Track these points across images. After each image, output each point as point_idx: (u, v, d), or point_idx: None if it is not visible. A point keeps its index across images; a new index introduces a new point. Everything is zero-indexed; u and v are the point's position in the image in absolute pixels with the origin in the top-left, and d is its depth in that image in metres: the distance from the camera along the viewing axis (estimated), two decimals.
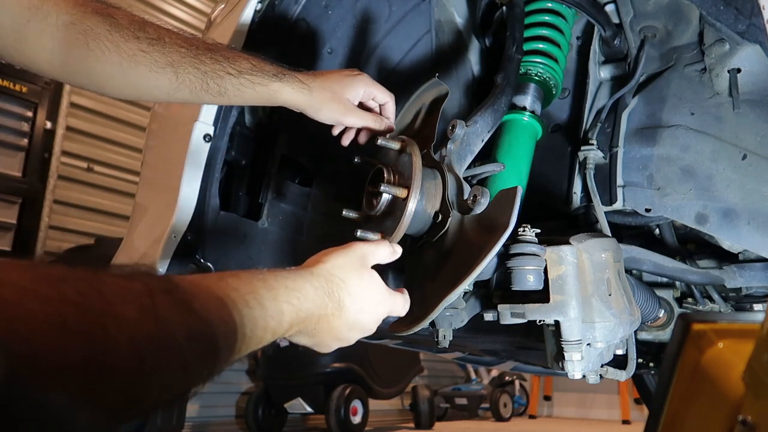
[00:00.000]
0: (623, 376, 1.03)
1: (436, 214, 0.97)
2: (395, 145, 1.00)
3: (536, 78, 1.28)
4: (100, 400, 0.39)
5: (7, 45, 0.80)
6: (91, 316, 0.39)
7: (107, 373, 0.39)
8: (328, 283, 0.75)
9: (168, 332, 0.46)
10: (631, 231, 1.43)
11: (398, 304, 0.85)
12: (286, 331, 0.69)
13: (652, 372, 2.14)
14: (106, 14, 0.84)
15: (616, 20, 1.34)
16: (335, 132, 1.09)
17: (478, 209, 0.91)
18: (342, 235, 1.47)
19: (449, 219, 0.95)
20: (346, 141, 1.10)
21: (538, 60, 1.28)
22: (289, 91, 0.97)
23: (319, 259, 0.79)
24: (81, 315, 0.39)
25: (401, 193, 0.94)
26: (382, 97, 1.07)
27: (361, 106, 1.06)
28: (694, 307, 1.38)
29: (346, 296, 0.76)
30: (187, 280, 0.55)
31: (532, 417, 7.37)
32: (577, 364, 0.92)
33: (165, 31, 0.89)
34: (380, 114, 1.09)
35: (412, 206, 0.93)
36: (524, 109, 1.26)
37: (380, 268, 1.55)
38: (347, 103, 1.01)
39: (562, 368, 0.94)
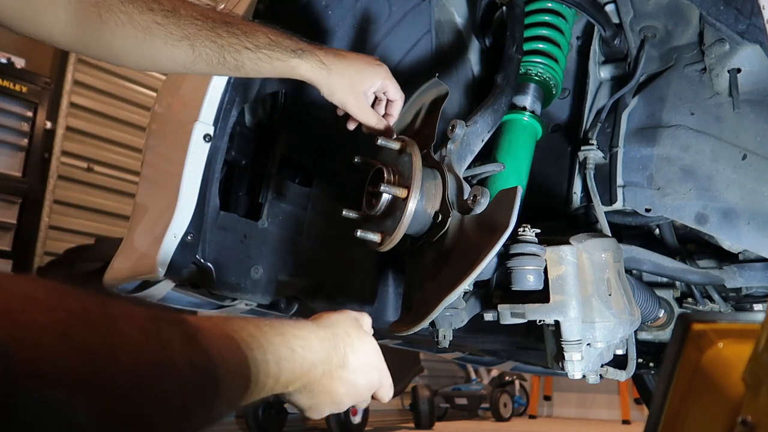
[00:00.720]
0: (623, 376, 1.03)
1: (436, 214, 0.97)
2: (395, 145, 1.00)
3: (536, 78, 1.28)
4: (97, 411, 0.38)
5: (21, 18, 0.78)
6: (94, 331, 0.39)
7: (107, 389, 0.38)
8: (333, 335, 0.71)
9: (170, 359, 0.45)
10: (631, 231, 1.43)
11: (388, 380, 0.79)
12: (289, 382, 0.64)
13: (652, 372, 2.14)
14: None
15: (616, 20, 1.34)
16: (340, 113, 1.08)
17: (478, 209, 0.91)
18: (342, 235, 1.47)
19: (449, 219, 0.95)
20: (351, 126, 1.09)
21: (538, 60, 1.28)
22: (307, 68, 0.96)
23: (319, 316, 0.76)
24: (84, 328, 0.38)
25: (401, 193, 0.94)
26: (393, 93, 1.06)
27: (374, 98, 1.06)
28: (694, 307, 1.38)
29: (350, 351, 0.72)
30: (193, 317, 0.53)
31: (532, 417, 7.37)
32: (577, 364, 0.92)
33: (180, 2, 0.87)
34: (387, 109, 1.09)
35: (412, 206, 0.93)
36: (524, 109, 1.26)
37: (380, 268, 1.55)
38: (359, 96, 1.01)
39: (562, 368, 0.94)
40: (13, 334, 0.33)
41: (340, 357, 0.71)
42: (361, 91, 1.00)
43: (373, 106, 1.07)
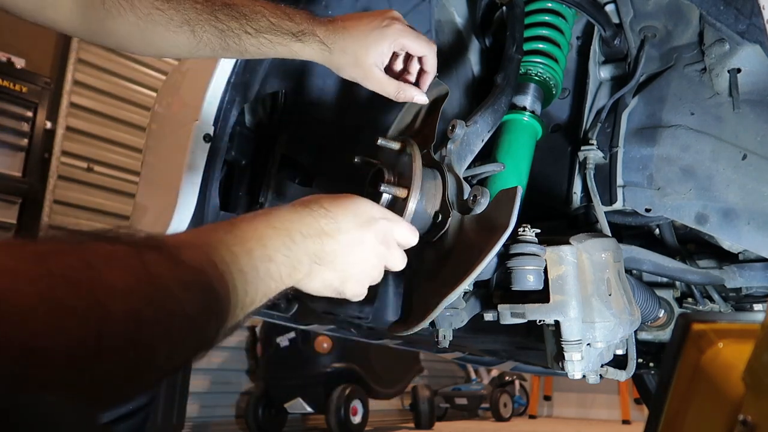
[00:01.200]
0: (623, 376, 1.03)
1: (436, 214, 0.97)
2: (395, 145, 1.00)
3: (536, 78, 1.28)
4: (101, 379, 0.39)
5: (27, 6, 0.80)
6: (81, 289, 0.39)
7: (106, 349, 0.38)
8: (306, 206, 0.72)
9: (161, 287, 0.45)
10: (631, 231, 1.43)
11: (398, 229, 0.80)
12: (283, 277, 0.64)
13: (652, 372, 2.14)
14: None
15: (616, 20, 1.34)
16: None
17: (478, 209, 0.91)
18: None
19: (449, 219, 0.95)
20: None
21: (538, 60, 1.28)
22: (309, 52, 0.93)
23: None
24: (72, 289, 0.38)
25: (401, 193, 0.94)
26: (417, 48, 0.97)
27: (393, 59, 0.99)
28: (694, 307, 1.38)
29: (338, 211, 0.73)
30: (172, 236, 0.54)
31: (532, 417, 7.37)
32: (577, 364, 0.92)
33: None
34: (420, 65, 1.01)
35: (412, 206, 0.93)
36: (524, 109, 1.26)
37: None
38: (368, 68, 0.95)
39: (562, 368, 0.94)
40: (4, 318, 0.33)
41: (322, 215, 0.71)
42: (370, 63, 0.94)
43: (392, 69, 1.00)
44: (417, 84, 1.04)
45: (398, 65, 1.03)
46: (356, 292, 0.77)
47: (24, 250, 0.39)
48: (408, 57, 1.03)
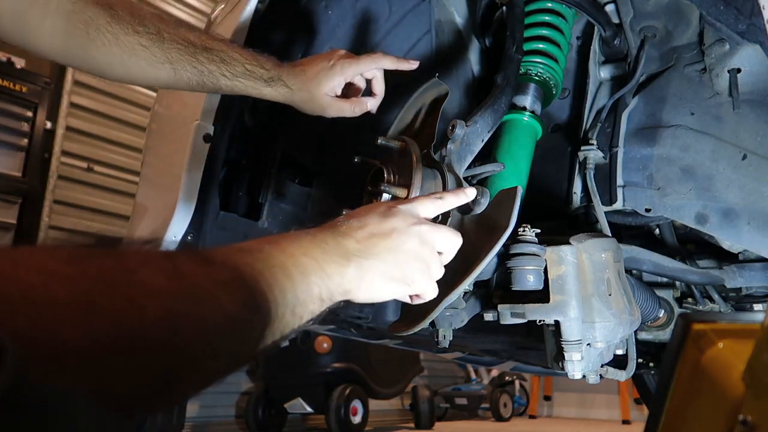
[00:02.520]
0: (623, 376, 1.03)
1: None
2: (395, 145, 1.00)
3: (536, 78, 1.28)
4: (137, 380, 0.38)
5: (9, 29, 0.82)
6: (117, 288, 0.38)
7: (141, 348, 0.38)
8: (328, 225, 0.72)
9: (195, 285, 0.44)
10: (631, 231, 1.43)
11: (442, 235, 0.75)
12: (313, 297, 0.61)
13: (652, 372, 2.14)
14: (106, 5, 0.86)
15: (616, 20, 1.34)
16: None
17: (478, 209, 0.91)
18: None
19: (449, 219, 0.95)
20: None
21: (538, 60, 1.28)
22: (276, 95, 1.03)
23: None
24: (107, 289, 0.38)
25: (401, 193, 0.94)
26: (367, 72, 1.08)
27: (351, 86, 1.08)
28: (694, 307, 1.38)
29: (353, 221, 0.71)
30: (205, 249, 0.54)
31: (532, 417, 7.37)
32: (577, 364, 0.92)
33: (164, 25, 0.91)
34: (371, 88, 1.10)
35: None
36: (524, 109, 1.26)
37: None
38: (324, 100, 1.04)
39: (562, 368, 0.94)
40: (37, 317, 0.33)
41: (355, 222, 0.71)
42: (323, 94, 1.04)
43: (349, 94, 1.09)
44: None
45: (360, 85, 1.12)
46: (424, 282, 0.73)
47: (60, 252, 0.39)
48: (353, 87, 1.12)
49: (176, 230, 1.24)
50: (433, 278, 0.75)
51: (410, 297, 0.76)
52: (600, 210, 1.21)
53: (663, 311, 1.33)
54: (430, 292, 0.75)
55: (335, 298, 0.64)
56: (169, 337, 0.40)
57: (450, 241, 0.77)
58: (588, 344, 0.92)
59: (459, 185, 0.97)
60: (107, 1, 0.86)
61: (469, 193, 0.86)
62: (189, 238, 1.25)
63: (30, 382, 0.31)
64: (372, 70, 1.08)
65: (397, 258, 0.70)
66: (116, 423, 0.36)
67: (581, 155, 1.29)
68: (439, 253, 0.76)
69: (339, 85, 1.05)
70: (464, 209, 0.94)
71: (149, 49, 0.88)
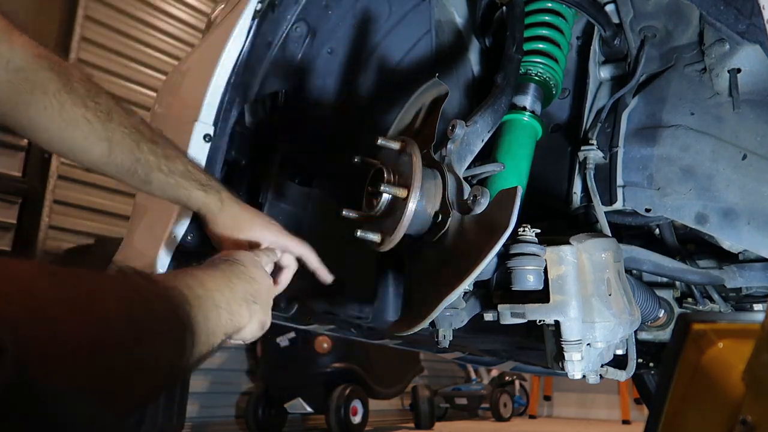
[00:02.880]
0: (623, 376, 1.03)
1: (436, 214, 0.97)
2: (395, 145, 1.00)
3: (536, 78, 1.28)
4: (107, 376, 0.44)
5: None
6: (83, 289, 0.47)
7: (108, 346, 0.45)
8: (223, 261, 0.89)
9: (143, 298, 0.55)
10: (631, 231, 1.43)
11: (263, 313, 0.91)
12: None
13: (652, 372, 2.14)
14: (61, 72, 0.83)
15: (616, 20, 1.34)
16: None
17: (478, 209, 0.90)
18: (342, 235, 1.47)
19: (449, 219, 0.95)
20: None
21: (538, 60, 1.28)
22: (203, 202, 1.01)
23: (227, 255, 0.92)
24: (69, 304, 0.44)
25: (401, 193, 0.94)
26: (286, 258, 1.06)
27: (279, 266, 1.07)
28: (694, 307, 1.38)
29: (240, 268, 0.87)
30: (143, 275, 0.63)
31: (532, 417, 7.37)
32: (577, 364, 0.92)
33: (118, 108, 0.89)
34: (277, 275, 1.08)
35: (412, 206, 0.93)
36: (524, 109, 1.26)
37: (380, 268, 1.54)
38: (241, 239, 1.03)
39: (562, 368, 0.94)
40: (23, 317, 0.35)
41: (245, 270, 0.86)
42: (242, 240, 1.03)
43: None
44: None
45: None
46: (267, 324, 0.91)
47: (44, 268, 0.45)
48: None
49: (176, 230, 1.23)
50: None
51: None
52: (600, 210, 1.21)
53: (663, 311, 1.33)
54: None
55: (229, 333, 0.78)
56: (125, 337, 0.48)
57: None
58: (588, 344, 0.92)
59: (459, 185, 0.97)
60: (66, 70, 0.83)
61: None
62: (189, 238, 1.25)
63: (29, 381, 0.32)
64: (293, 257, 1.07)
65: (266, 308, 0.91)
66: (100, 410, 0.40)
67: (581, 155, 1.29)
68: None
69: (262, 239, 1.03)
70: (464, 209, 0.94)
71: (93, 125, 0.85)
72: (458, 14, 1.61)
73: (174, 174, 0.95)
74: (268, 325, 0.90)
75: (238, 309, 0.79)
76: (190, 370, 0.66)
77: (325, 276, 1.10)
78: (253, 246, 1.03)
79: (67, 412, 0.34)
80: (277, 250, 1.04)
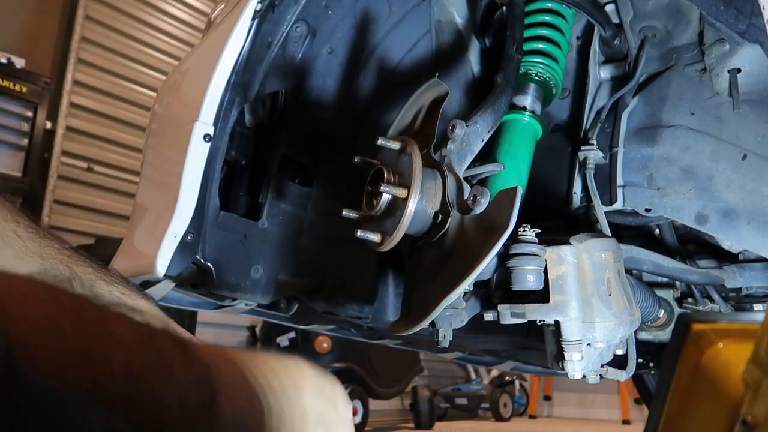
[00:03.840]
0: (623, 376, 1.03)
1: (436, 214, 0.97)
2: (395, 145, 1.00)
3: (536, 78, 1.28)
4: (97, 406, 0.37)
5: None
6: (88, 327, 0.38)
7: (105, 386, 0.37)
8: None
9: (164, 361, 0.43)
10: (631, 231, 1.43)
11: None
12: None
13: (652, 372, 2.14)
14: None
15: (616, 20, 1.34)
16: None
17: (478, 209, 0.90)
18: (342, 235, 1.47)
19: (449, 219, 0.95)
20: None
21: (538, 60, 1.28)
22: (148, 308, 0.99)
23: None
24: (78, 325, 0.37)
25: (401, 193, 0.94)
26: None
27: None
28: (694, 307, 1.38)
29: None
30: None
31: (532, 417, 7.37)
32: (577, 364, 0.92)
33: (48, 232, 0.88)
34: None
35: (412, 206, 0.93)
36: (524, 109, 1.26)
37: (380, 268, 1.54)
38: None
39: (562, 368, 0.94)
40: (11, 322, 0.33)
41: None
42: None
43: None
44: None
45: None
46: None
47: (40, 282, 0.39)
48: None
49: (176, 230, 1.23)
50: None
51: None
52: (600, 210, 1.21)
53: (663, 311, 1.33)
54: None
55: None
56: (130, 392, 0.39)
57: None
58: (588, 344, 0.92)
59: (459, 185, 0.97)
60: None
61: None
62: (189, 238, 1.25)
63: (21, 378, 0.31)
64: None
65: None
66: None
67: (581, 155, 1.29)
68: None
69: None
70: (464, 209, 0.94)
71: (23, 241, 0.81)
72: (458, 14, 1.61)
73: (116, 282, 0.94)
74: None
75: None
76: None
77: None
78: None
79: (67, 413, 0.33)
80: None
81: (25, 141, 3.98)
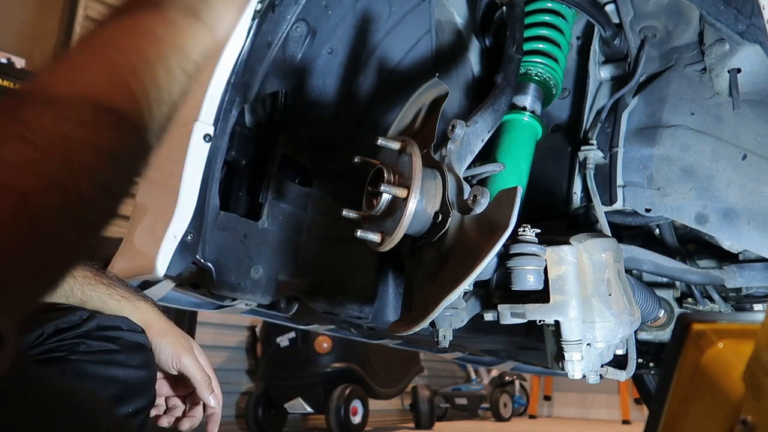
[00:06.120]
0: (623, 376, 1.03)
1: (436, 214, 0.97)
2: (395, 145, 1.00)
3: (536, 78, 1.28)
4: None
5: None
6: None
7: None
8: None
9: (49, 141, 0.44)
10: (631, 231, 1.43)
11: None
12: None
13: (652, 372, 2.14)
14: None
15: (616, 20, 1.34)
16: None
17: (478, 209, 0.91)
18: (342, 235, 1.47)
19: (449, 219, 0.95)
20: None
21: (538, 60, 1.28)
22: (149, 309, 1.01)
23: None
24: None
25: (401, 193, 0.94)
26: (198, 376, 1.01)
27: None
28: (694, 307, 1.38)
29: None
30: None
31: (532, 417, 7.37)
32: (577, 364, 0.92)
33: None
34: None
35: (412, 206, 0.93)
36: (524, 109, 1.26)
37: (380, 268, 1.54)
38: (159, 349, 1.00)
39: (562, 368, 0.94)
40: None
41: None
42: (163, 359, 1.00)
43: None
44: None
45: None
46: None
47: None
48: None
49: (176, 230, 1.23)
50: None
51: None
52: (600, 210, 1.21)
53: (663, 311, 1.33)
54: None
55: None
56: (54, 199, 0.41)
57: None
58: (588, 344, 0.92)
59: (459, 185, 0.97)
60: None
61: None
62: (189, 238, 1.25)
63: None
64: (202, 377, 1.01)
65: None
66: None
67: (581, 155, 1.29)
68: None
69: (170, 365, 1.00)
70: (464, 209, 0.94)
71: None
72: (458, 14, 1.61)
73: (115, 286, 0.98)
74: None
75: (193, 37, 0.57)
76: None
77: (206, 400, 1.02)
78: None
79: None
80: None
81: None
